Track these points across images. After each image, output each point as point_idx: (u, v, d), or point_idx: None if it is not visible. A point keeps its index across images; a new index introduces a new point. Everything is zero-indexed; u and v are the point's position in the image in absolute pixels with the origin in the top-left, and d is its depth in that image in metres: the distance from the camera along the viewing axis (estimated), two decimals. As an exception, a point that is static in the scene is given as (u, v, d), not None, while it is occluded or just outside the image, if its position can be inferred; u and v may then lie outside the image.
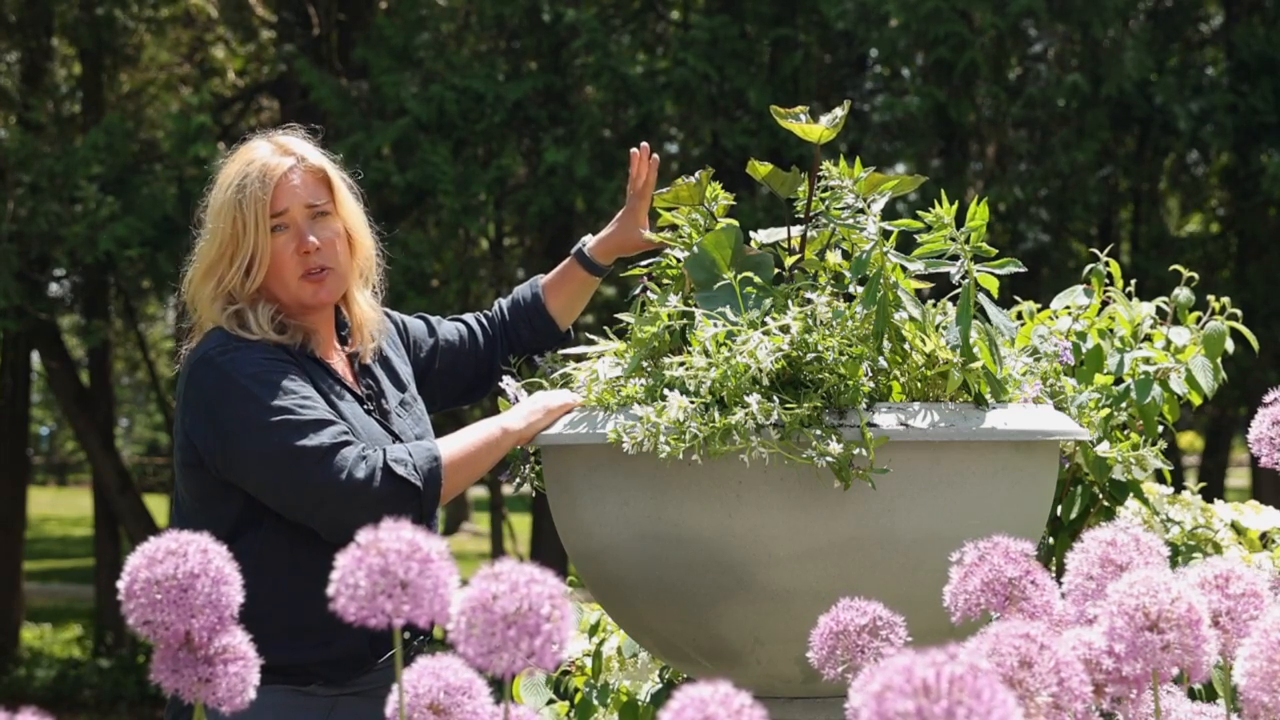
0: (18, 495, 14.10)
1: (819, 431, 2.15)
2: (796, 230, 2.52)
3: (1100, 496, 2.89)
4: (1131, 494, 2.87)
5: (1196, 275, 3.02)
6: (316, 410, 2.47)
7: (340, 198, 2.67)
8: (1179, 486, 3.16)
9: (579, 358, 2.58)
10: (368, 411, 2.62)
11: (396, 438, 2.66)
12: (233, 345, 2.53)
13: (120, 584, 1.41)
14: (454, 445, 2.51)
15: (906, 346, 2.31)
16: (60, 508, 28.45)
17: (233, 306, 2.58)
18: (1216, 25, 13.32)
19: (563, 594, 1.29)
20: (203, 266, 2.62)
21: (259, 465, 2.45)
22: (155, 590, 1.40)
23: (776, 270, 2.44)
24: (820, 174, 2.43)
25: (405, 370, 2.80)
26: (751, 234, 2.52)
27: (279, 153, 2.63)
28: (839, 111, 2.47)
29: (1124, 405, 2.81)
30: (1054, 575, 1.60)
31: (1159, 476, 3.00)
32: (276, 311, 2.60)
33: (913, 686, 1.07)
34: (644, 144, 2.83)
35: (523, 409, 2.50)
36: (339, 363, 2.68)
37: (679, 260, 2.51)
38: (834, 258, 2.51)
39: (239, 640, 1.46)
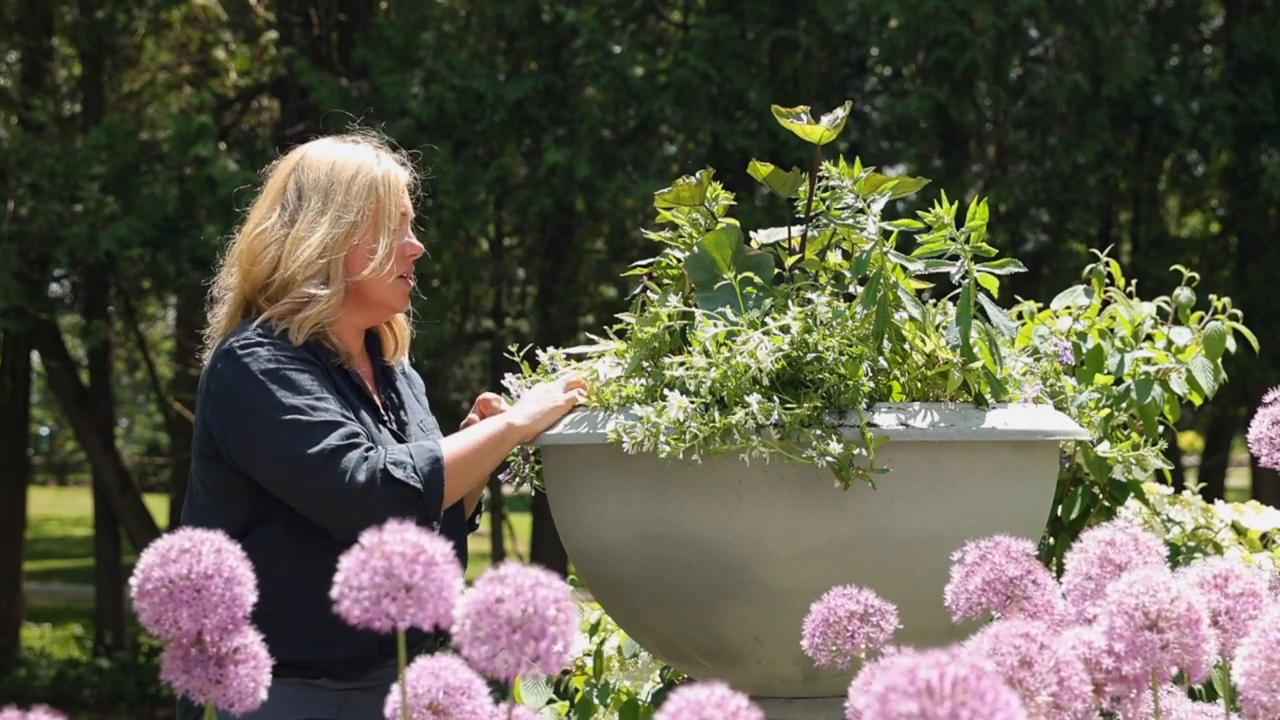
0: (18, 495, 14.11)
1: (819, 431, 2.15)
2: (797, 230, 2.52)
3: (1100, 496, 2.89)
4: (1132, 494, 2.87)
5: (1197, 275, 3.02)
6: (328, 411, 2.47)
7: None
8: (1179, 486, 3.17)
9: (580, 358, 2.59)
10: (384, 423, 2.62)
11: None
12: (255, 340, 2.53)
13: (133, 582, 1.40)
14: (457, 444, 2.51)
15: (906, 346, 2.31)
16: (60, 508, 28.44)
17: (293, 298, 2.57)
18: (1216, 25, 13.33)
19: (567, 597, 1.29)
20: (315, 239, 2.59)
21: (268, 464, 2.47)
22: (168, 589, 1.40)
23: (776, 270, 2.44)
24: (820, 174, 2.43)
25: (424, 409, 2.80)
26: (751, 234, 2.52)
27: (395, 159, 2.76)
28: (840, 112, 2.47)
29: (1124, 405, 2.81)
30: (1054, 575, 1.60)
31: (1159, 476, 3.00)
32: (318, 327, 2.58)
33: (916, 688, 1.07)
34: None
35: (527, 405, 2.49)
36: (364, 372, 2.68)
37: (679, 260, 2.51)
38: (834, 258, 2.51)
39: (251, 641, 1.46)
